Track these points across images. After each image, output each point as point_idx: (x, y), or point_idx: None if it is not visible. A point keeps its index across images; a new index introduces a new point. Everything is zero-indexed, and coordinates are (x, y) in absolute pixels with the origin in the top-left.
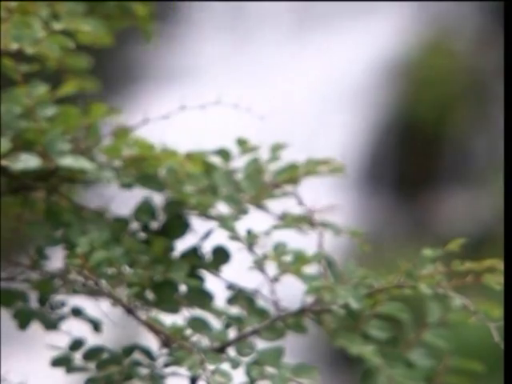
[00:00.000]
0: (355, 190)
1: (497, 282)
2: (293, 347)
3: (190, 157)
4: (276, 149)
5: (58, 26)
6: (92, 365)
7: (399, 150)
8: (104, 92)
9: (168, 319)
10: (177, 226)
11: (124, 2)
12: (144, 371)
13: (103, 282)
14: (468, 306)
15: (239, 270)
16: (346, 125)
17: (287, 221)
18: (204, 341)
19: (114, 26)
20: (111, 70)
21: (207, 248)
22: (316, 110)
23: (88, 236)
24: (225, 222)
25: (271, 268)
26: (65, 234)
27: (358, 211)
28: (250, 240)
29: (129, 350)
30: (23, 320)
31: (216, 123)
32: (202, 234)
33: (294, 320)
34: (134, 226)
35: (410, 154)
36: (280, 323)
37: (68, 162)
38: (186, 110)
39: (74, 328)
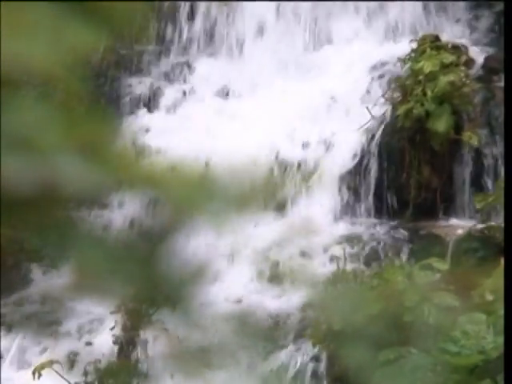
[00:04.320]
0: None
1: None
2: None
3: (186, 164)
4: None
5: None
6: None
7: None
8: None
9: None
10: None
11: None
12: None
13: (105, 286)
14: (457, 310)
15: (242, 279)
16: (349, 131)
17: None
18: None
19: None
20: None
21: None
22: (317, 115)
23: (89, 241)
24: (226, 229)
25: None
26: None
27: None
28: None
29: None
30: None
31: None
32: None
33: (295, 332)
34: (135, 229)
35: (413, 164)
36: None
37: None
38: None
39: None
